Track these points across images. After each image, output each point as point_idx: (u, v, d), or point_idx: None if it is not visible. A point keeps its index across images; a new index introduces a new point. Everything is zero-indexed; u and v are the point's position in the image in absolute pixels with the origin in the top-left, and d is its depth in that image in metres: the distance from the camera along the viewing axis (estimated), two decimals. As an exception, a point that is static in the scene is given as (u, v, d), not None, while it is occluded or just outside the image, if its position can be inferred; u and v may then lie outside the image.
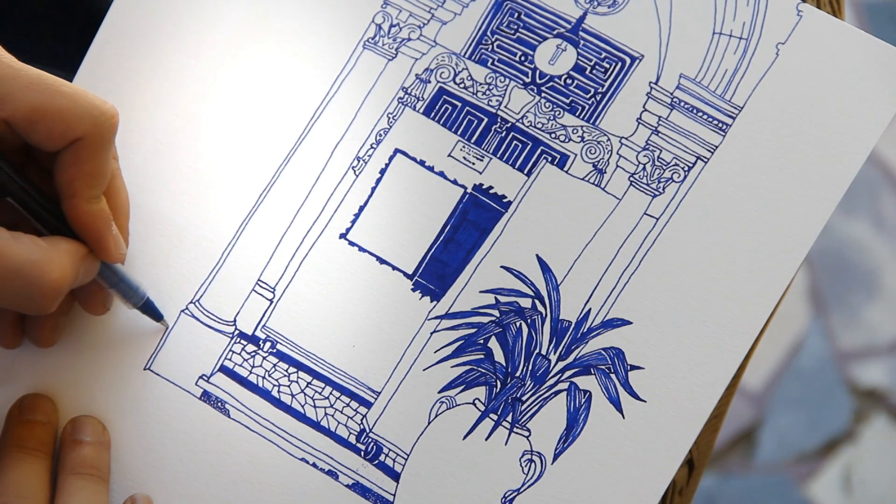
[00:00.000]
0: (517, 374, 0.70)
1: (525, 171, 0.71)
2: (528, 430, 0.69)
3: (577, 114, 0.71)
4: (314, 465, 0.70)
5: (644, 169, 0.71)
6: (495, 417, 0.70)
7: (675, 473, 0.69)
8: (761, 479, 1.52)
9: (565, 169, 0.71)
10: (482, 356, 0.70)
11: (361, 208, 0.72)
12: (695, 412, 0.69)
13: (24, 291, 0.63)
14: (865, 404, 1.54)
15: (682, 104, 0.71)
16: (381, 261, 0.71)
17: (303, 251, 0.71)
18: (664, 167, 0.71)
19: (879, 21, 1.61)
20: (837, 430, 1.53)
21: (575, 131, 0.71)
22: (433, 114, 0.72)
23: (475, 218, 0.71)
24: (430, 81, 0.72)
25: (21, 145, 0.67)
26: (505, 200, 0.71)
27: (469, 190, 0.71)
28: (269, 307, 0.71)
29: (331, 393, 0.70)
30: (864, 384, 1.55)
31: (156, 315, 0.71)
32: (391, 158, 0.72)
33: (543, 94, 0.72)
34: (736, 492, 1.52)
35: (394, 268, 0.71)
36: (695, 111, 0.71)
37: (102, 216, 0.66)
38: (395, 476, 0.70)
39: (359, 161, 0.72)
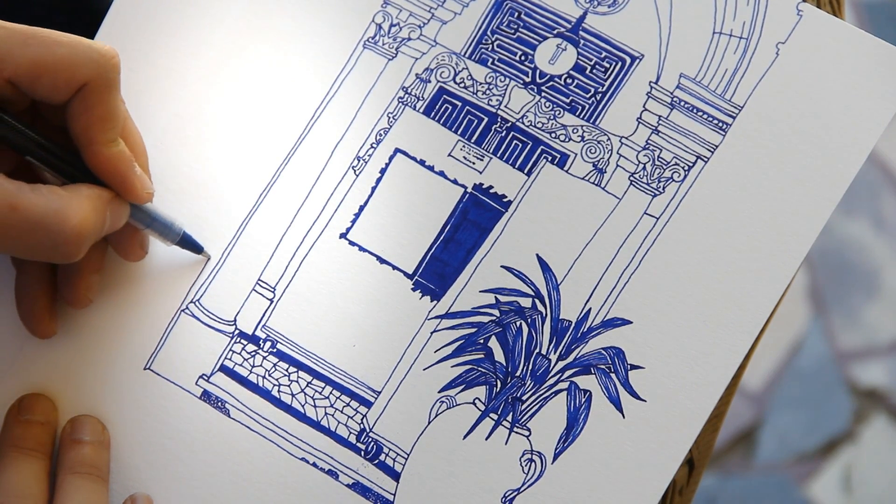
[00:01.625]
0: (517, 374, 0.70)
1: (525, 171, 0.71)
2: (529, 430, 0.69)
3: (578, 113, 0.71)
4: (314, 464, 0.70)
5: (644, 168, 0.71)
6: (495, 417, 0.70)
7: (675, 473, 0.69)
8: (761, 479, 1.52)
9: (565, 168, 0.71)
10: (482, 356, 0.70)
11: (361, 208, 0.72)
12: (695, 412, 0.69)
13: (49, 241, 0.63)
14: (865, 404, 1.54)
15: (683, 104, 0.71)
16: (382, 260, 0.71)
17: (303, 251, 0.71)
18: (664, 167, 0.71)
19: (879, 21, 1.61)
20: (837, 430, 1.53)
21: (575, 131, 0.71)
22: (433, 113, 0.72)
23: (475, 217, 0.71)
24: (430, 81, 0.72)
25: (29, 107, 0.67)
26: (505, 200, 0.71)
27: (469, 189, 0.71)
28: (269, 307, 0.71)
29: (331, 392, 0.70)
30: (864, 384, 1.55)
31: (195, 247, 0.71)
32: (391, 158, 0.72)
33: (543, 94, 0.72)
34: (736, 492, 1.52)
35: (394, 267, 0.71)
36: (695, 111, 0.71)
37: (123, 158, 0.66)
38: (396, 476, 0.70)
39: (359, 161, 0.72)
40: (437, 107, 0.72)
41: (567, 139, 0.71)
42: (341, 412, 0.70)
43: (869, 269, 1.57)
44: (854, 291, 1.57)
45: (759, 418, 1.54)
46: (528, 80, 0.72)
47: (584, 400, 0.69)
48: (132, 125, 0.69)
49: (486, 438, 0.70)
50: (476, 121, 0.72)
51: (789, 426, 1.53)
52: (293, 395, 0.71)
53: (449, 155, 0.72)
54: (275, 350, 0.71)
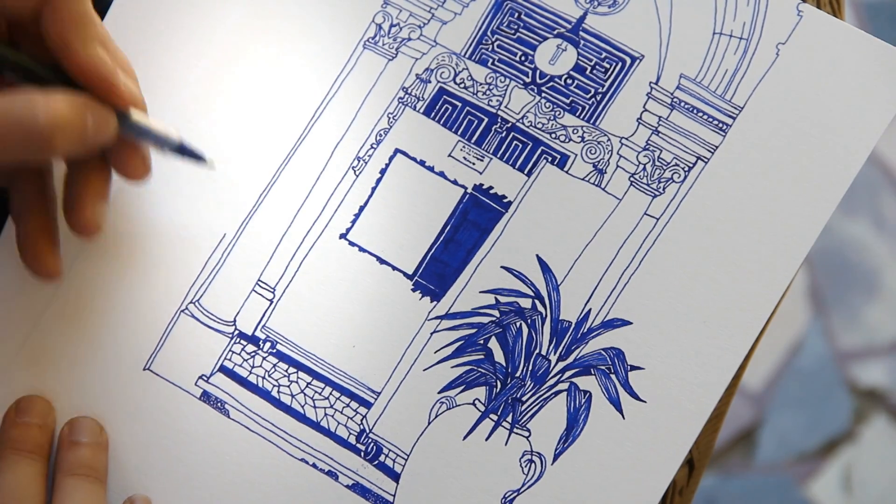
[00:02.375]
0: (517, 375, 0.70)
1: (525, 172, 0.71)
2: (528, 431, 0.69)
3: (578, 114, 0.71)
4: (314, 465, 0.70)
5: (644, 169, 0.71)
6: (495, 418, 0.70)
7: (675, 474, 0.69)
8: (761, 479, 1.52)
9: (565, 169, 0.71)
10: (482, 356, 0.70)
11: (361, 208, 0.72)
12: (695, 412, 0.69)
13: (18, 132, 0.61)
14: (865, 404, 1.54)
15: (683, 104, 0.71)
16: (382, 261, 0.71)
17: (303, 251, 0.71)
18: (664, 167, 0.70)
19: (879, 21, 1.61)
20: (837, 430, 1.53)
21: (575, 131, 0.71)
22: (433, 114, 0.72)
23: (475, 218, 0.71)
24: (430, 81, 0.72)
25: (4, 32, 0.66)
26: (505, 200, 0.71)
27: (469, 190, 0.71)
28: (268, 307, 0.71)
29: (331, 393, 0.70)
30: (864, 384, 1.54)
31: (196, 156, 0.68)
32: (391, 158, 0.72)
33: (544, 94, 0.72)
34: (736, 492, 1.52)
35: (394, 268, 0.71)
36: (695, 111, 0.70)
37: (102, 59, 0.65)
38: (395, 476, 0.70)
39: (359, 161, 0.72)
40: (438, 107, 0.72)
41: (567, 140, 0.71)
42: (341, 413, 0.70)
43: (869, 269, 1.57)
44: (854, 291, 1.57)
45: (759, 418, 1.54)
46: (528, 80, 0.72)
47: (584, 401, 0.69)
48: (118, 49, 0.67)
49: (486, 439, 0.70)
50: (476, 121, 0.72)
51: (789, 426, 1.53)
52: (293, 396, 0.71)
53: (449, 155, 0.72)
54: (274, 351, 0.71)
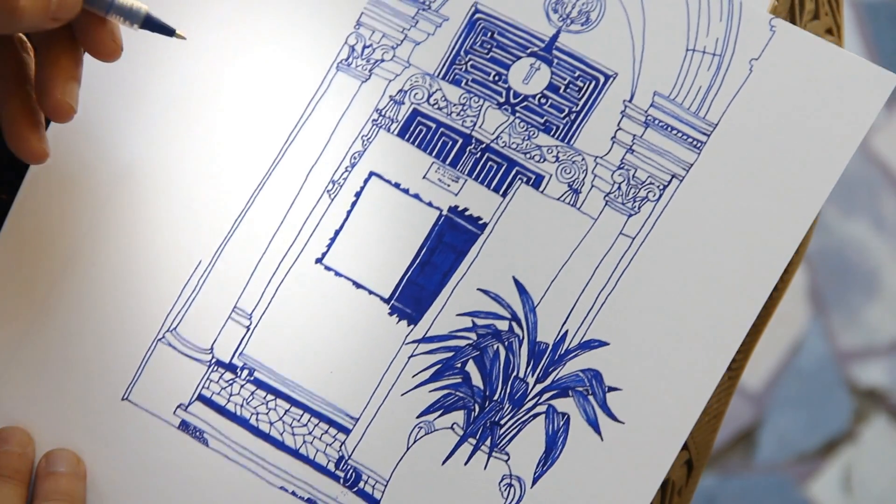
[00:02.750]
0: (495, 398, 0.70)
1: (500, 192, 0.71)
2: (507, 454, 0.69)
3: (552, 133, 0.71)
4: (294, 493, 0.70)
5: (619, 188, 0.70)
6: (474, 442, 0.69)
7: (654, 495, 0.68)
8: (761, 479, 1.51)
9: (541, 189, 0.71)
10: (460, 380, 0.70)
11: (337, 232, 0.71)
12: (673, 433, 0.68)
13: None
14: (865, 404, 1.53)
15: (657, 122, 0.70)
16: (358, 285, 0.71)
17: (279, 277, 0.71)
18: (639, 186, 0.70)
19: (879, 21, 1.60)
20: (837, 430, 1.53)
21: (550, 151, 0.71)
22: (408, 135, 0.72)
23: (451, 240, 0.71)
24: (404, 103, 0.72)
25: None
26: (480, 222, 0.71)
27: (445, 212, 0.71)
28: (245, 334, 0.71)
29: (309, 420, 0.70)
30: (864, 384, 1.54)
31: (165, 29, 0.68)
32: (366, 181, 0.71)
33: (518, 114, 0.71)
34: (736, 492, 1.51)
35: (370, 292, 0.71)
36: (669, 129, 0.70)
37: None
38: (375, 503, 0.69)
39: (333, 184, 0.72)
40: (412, 129, 0.72)
41: (542, 160, 0.71)
42: (319, 439, 0.70)
43: (869, 269, 1.56)
44: (854, 291, 1.56)
45: (759, 418, 1.53)
46: (502, 100, 0.71)
47: (562, 423, 0.69)
48: None
49: (465, 464, 0.69)
50: (450, 142, 0.71)
51: (789, 426, 1.53)
52: (271, 424, 0.70)
53: (424, 177, 0.71)
54: (252, 378, 0.71)
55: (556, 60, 0.71)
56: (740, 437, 1.53)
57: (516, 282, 0.70)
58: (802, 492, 1.51)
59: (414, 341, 0.70)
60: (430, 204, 0.71)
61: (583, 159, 0.71)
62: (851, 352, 1.55)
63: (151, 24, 0.67)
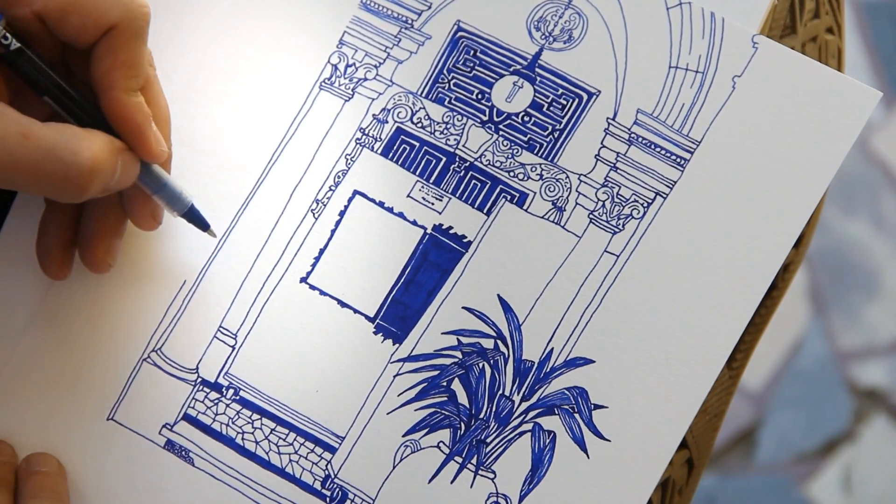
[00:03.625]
0: (481, 416, 0.70)
1: (484, 211, 0.71)
2: (494, 473, 0.69)
3: (536, 151, 0.71)
4: (279, 512, 0.70)
5: (603, 206, 0.70)
6: (460, 460, 0.69)
7: (639, 514, 0.68)
8: (761, 479, 1.51)
9: (525, 207, 0.71)
10: (446, 398, 0.70)
11: (321, 251, 0.71)
12: (659, 450, 0.68)
13: (59, 172, 0.63)
14: (865, 404, 1.53)
15: (640, 139, 0.70)
16: (343, 304, 0.71)
17: (263, 296, 0.71)
18: (623, 203, 0.70)
19: (879, 21, 1.59)
20: (837, 430, 1.53)
21: (533, 169, 0.71)
22: (391, 154, 0.72)
23: (436, 258, 0.71)
24: (387, 121, 0.72)
25: (58, 54, 0.67)
26: (465, 240, 0.71)
27: (429, 230, 0.71)
28: (231, 354, 0.71)
29: (295, 439, 0.70)
30: (864, 384, 1.54)
31: (202, 224, 0.70)
32: (350, 200, 0.71)
33: (501, 133, 0.71)
34: (736, 492, 1.51)
35: (355, 311, 0.71)
36: (653, 146, 0.70)
37: (140, 109, 0.66)
38: (361, 521, 0.69)
39: (318, 204, 0.72)
40: (395, 147, 0.72)
41: (526, 178, 0.71)
42: (305, 458, 0.70)
43: (869, 269, 1.56)
44: (854, 291, 1.56)
45: (759, 418, 1.53)
46: (485, 118, 0.71)
47: (548, 441, 0.69)
48: (159, 91, 0.69)
49: (452, 482, 0.69)
50: (434, 161, 0.71)
51: (789, 426, 1.53)
52: (257, 443, 0.70)
53: (408, 196, 0.71)
54: (238, 397, 0.71)
55: (538, 78, 0.71)
56: (740, 437, 1.53)
57: (501, 300, 0.70)
58: (802, 492, 1.51)
59: (399, 360, 0.70)
60: (414, 222, 0.71)
61: (567, 177, 0.70)
62: (851, 352, 1.54)
63: (192, 215, 0.69)
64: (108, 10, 0.64)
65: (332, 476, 0.70)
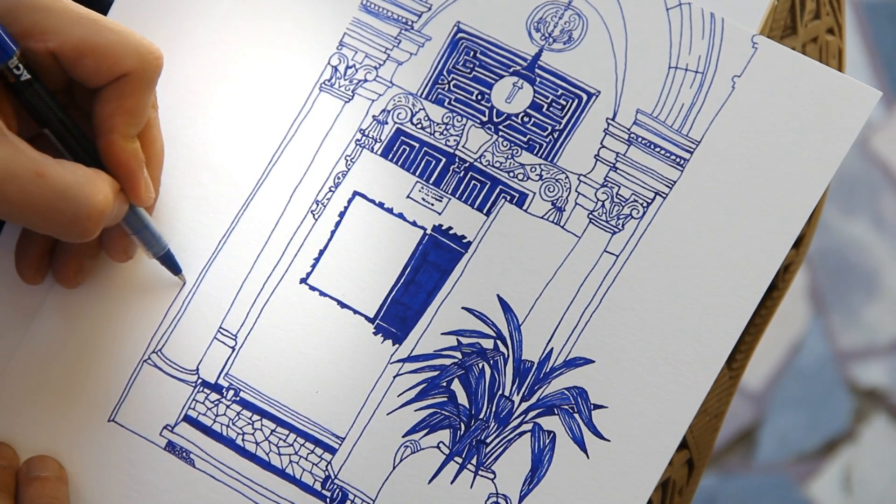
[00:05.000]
0: (481, 416, 0.70)
1: (484, 211, 0.71)
2: (494, 473, 0.69)
3: (535, 152, 0.71)
4: (280, 512, 0.70)
5: (603, 206, 0.70)
6: (460, 460, 0.69)
7: (639, 514, 0.68)
8: (761, 479, 1.51)
9: (524, 208, 0.71)
10: (445, 399, 0.70)
11: (321, 252, 0.71)
12: (658, 450, 0.68)
13: (71, 213, 0.63)
14: (865, 404, 1.53)
15: (640, 140, 0.70)
16: (343, 305, 0.71)
17: (263, 297, 0.71)
18: (623, 204, 0.70)
19: (879, 21, 1.60)
20: (837, 430, 1.53)
21: (533, 170, 0.71)
22: (391, 155, 0.72)
23: (435, 259, 0.71)
24: (387, 122, 0.72)
25: (64, 85, 0.67)
26: (465, 241, 0.71)
27: (429, 231, 0.71)
28: (231, 355, 0.71)
29: (295, 440, 0.70)
30: (864, 384, 1.54)
31: (174, 268, 0.71)
32: (350, 201, 0.72)
33: (501, 133, 0.71)
34: (736, 492, 1.51)
35: (355, 311, 0.71)
36: (652, 146, 0.70)
37: (136, 155, 0.67)
38: (361, 522, 0.70)
39: (317, 205, 0.72)
40: (395, 148, 0.72)
41: (525, 178, 0.71)
42: (306, 459, 0.70)
43: (869, 269, 1.56)
44: (854, 291, 1.56)
45: (759, 418, 1.53)
46: (485, 119, 0.71)
47: (548, 441, 0.69)
48: (158, 133, 0.70)
49: (452, 482, 0.69)
50: (434, 162, 0.71)
51: (789, 426, 1.53)
52: (257, 444, 0.71)
53: (408, 197, 0.71)
54: (238, 398, 0.71)
55: (538, 79, 0.71)
56: (740, 437, 1.53)
57: (501, 300, 0.70)
58: (802, 492, 1.51)
59: (399, 360, 0.70)
60: (414, 223, 0.71)
61: (566, 177, 0.71)
62: (851, 352, 1.54)
63: (167, 259, 0.71)
64: (122, 57, 0.65)
65: (332, 477, 0.70)
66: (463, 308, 0.70)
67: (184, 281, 0.71)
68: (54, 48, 0.65)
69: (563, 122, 0.71)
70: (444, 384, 0.70)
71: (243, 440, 0.71)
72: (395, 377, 0.70)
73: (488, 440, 0.70)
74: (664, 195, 0.70)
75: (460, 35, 0.72)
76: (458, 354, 0.70)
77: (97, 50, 0.65)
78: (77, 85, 0.68)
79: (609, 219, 0.70)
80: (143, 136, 0.69)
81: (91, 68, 0.65)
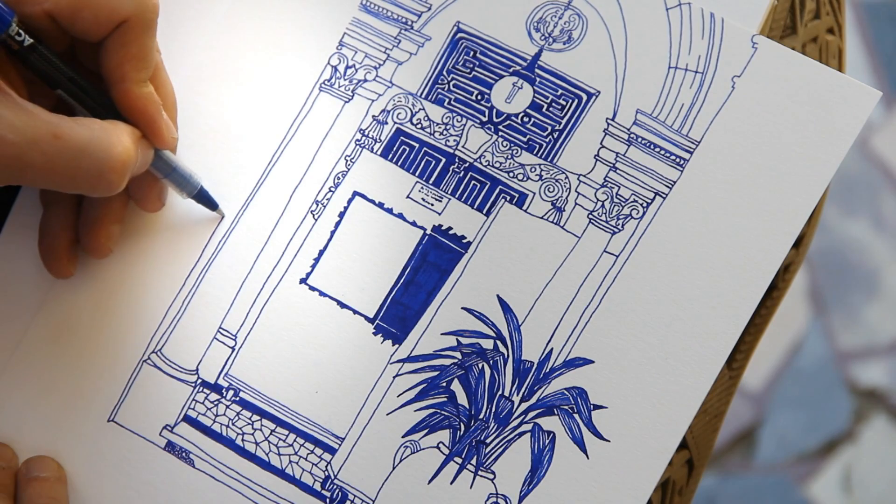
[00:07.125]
0: (481, 417, 0.70)
1: (484, 211, 0.71)
2: (493, 473, 0.69)
3: (535, 152, 0.71)
4: (279, 513, 0.70)
5: (603, 206, 0.70)
6: (460, 461, 0.69)
7: (639, 514, 0.68)
8: (761, 479, 1.51)
9: (524, 208, 0.71)
10: (445, 399, 0.70)
11: (321, 252, 0.71)
12: (658, 450, 0.68)
13: (94, 168, 0.63)
14: (865, 404, 1.53)
15: (640, 140, 0.70)
16: (342, 305, 0.71)
17: (263, 297, 0.71)
18: (623, 204, 0.70)
19: (879, 21, 1.60)
20: (837, 430, 1.53)
21: (533, 170, 0.71)
22: (391, 155, 0.72)
23: (435, 259, 0.71)
24: (387, 123, 0.72)
25: (67, 47, 0.67)
26: (464, 241, 0.71)
27: (428, 231, 0.71)
28: (231, 355, 0.71)
29: (295, 440, 0.70)
30: (864, 384, 1.54)
31: (211, 204, 0.71)
32: (350, 201, 0.72)
33: (501, 133, 0.71)
34: (736, 492, 1.51)
35: (355, 312, 0.71)
36: (652, 146, 0.70)
37: (152, 99, 0.67)
38: (361, 522, 0.69)
39: (317, 205, 0.72)
40: (395, 148, 0.72)
41: (525, 178, 0.71)
42: (305, 459, 0.70)
43: (869, 269, 1.56)
44: (854, 291, 1.56)
45: (759, 418, 1.53)
46: (484, 119, 0.71)
47: (547, 441, 0.69)
48: (166, 76, 0.70)
49: (451, 483, 0.69)
50: (434, 162, 0.71)
51: (789, 426, 1.53)
52: (257, 444, 0.70)
53: (407, 197, 0.71)
54: (238, 398, 0.71)
55: (538, 79, 0.71)
56: (740, 437, 1.53)
57: (501, 300, 0.70)
58: (802, 492, 1.51)
59: (399, 361, 0.70)
60: (413, 223, 0.71)
61: (566, 177, 0.71)
62: (851, 352, 1.54)
63: (202, 196, 0.70)
64: (119, 5, 0.65)
65: (332, 477, 0.70)
66: (463, 308, 0.70)
67: (222, 215, 0.71)
68: (49, 8, 0.64)
69: (563, 122, 0.71)
70: (444, 384, 0.70)
71: (243, 440, 0.71)
72: (394, 377, 0.70)
73: (488, 440, 0.69)
74: (664, 195, 0.70)
75: (460, 35, 0.72)
76: (458, 355, 0.70)
77: (92, 2, 0.65)
78: (80, 45, 0.68)
79: (609, 219, 0.70)
80: (154, 81, 0.69)
81: (90, 21, 0.65)
